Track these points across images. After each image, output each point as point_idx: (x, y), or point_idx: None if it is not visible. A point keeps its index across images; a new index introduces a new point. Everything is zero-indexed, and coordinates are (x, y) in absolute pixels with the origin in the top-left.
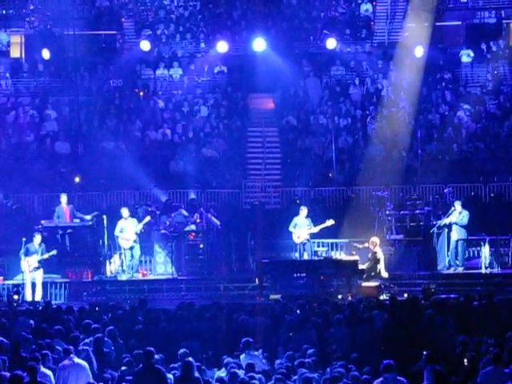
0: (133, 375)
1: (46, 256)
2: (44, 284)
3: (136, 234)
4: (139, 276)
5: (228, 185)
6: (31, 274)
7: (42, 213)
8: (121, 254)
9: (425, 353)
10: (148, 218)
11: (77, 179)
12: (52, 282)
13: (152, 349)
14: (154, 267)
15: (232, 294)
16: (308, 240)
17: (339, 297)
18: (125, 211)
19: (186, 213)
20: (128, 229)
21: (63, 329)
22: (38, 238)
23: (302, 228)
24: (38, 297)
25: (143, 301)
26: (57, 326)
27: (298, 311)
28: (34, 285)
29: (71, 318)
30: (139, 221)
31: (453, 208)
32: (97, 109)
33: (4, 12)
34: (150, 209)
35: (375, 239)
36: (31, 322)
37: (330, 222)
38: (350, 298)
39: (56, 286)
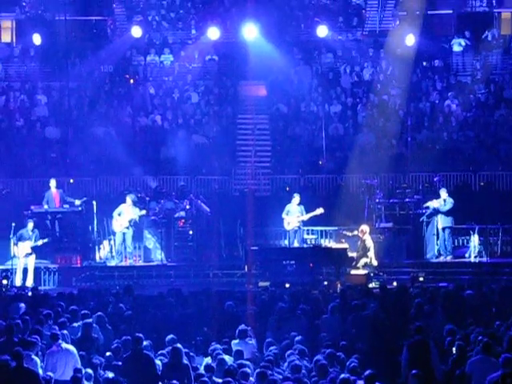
0: (122, 361)
1: (39, 243)
2: (36, 269)
3: (131, 221)
4: (133, 263)
5: (218, 172)
6: (23, 260)
7: (31, 198)
8: (110, 239)
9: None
10: (143, 212)
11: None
12: (41, 267)
13: (141, 335)
14: (144, 253)
15: (221, 280)
16: (299, 227)
17: (325, 283)
18: (129, 199)
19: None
20: (125, 215)
21: (52, 313)
22: (30, 225)
23: (293, 215)
24: (30, 282)
25: (129, 287)
26: (46, 311)
27: (287, 298)
28: (25, 270)
29: (60, 303)
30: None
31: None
32: (87, 94)
33: None
34: (139, 195)
35: (365, 227)
36: (22, 305)
37: (319, 211)
38: (339, 286)
39: (45, 272)
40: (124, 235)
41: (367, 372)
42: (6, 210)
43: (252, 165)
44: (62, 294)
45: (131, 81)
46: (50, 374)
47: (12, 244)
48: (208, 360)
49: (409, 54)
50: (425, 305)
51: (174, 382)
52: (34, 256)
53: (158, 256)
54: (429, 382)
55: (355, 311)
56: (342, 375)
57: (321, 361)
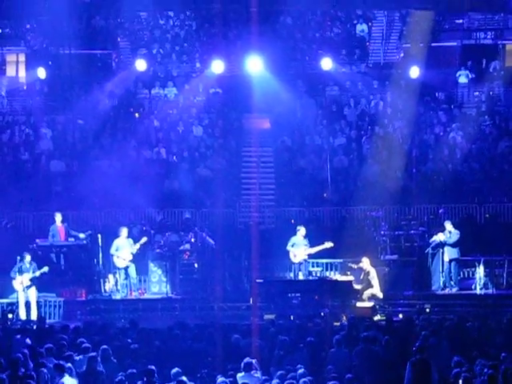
0: None
1: (37, 273)
2: (38, 303)
3: (132, 254)
4: (138, 295)
5: (222, 204)
6: (24, 293)
7: (36, 231)
8: (115, 273)
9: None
10: (144, 239)
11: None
12: (46, 300)
13: (153, 367)
14: (149, 286)
15: (226, 313)
16: (305, 260)
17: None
18: (124, 231)
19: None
20: (124, 248)
21: (54, 347)
22: (27, 257)
23: (299, 247)
24: (34, 315)
25: (134, 321)
26: (47, 345)
27: (292, 331)
28: (28, 303)
29: (65, 336)
30: (135, 241)
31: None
32: (92, 128)
33: (0, 31)
34: (144, 228)
35: (364, 259)
36: (27, 339)
37: (328, 244)
38: (344, 318)
39: (50, 305)
40: (127, 269)
41: None
42: (10, 243)
43: (256, 197)
44: (67, 327)
45: (136, 115)
46: None
47: (16, 277)
48: None
49: (413, 86)
50: (430, 337)
51: None
52: (34, 288)
53: (163, 289)
54: None
55: (361, 344)
56: None
57: None
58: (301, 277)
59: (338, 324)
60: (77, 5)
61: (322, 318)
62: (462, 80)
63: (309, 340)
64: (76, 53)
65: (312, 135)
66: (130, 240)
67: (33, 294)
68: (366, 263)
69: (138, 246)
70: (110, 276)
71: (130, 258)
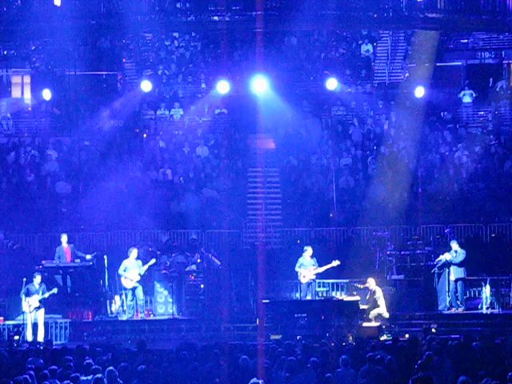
0: None
1: (46, 295)
2: (45, 324)
3: (139, 275)
4: (144, 317)
5: (228, 225)
6: (32, 314)
7: (42, 253)
8: (121, 294)
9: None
10: (153, 261)
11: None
12: (53, 322)
13: None
14: (155, 307)
15: (233, 334)
16: (313, 280)
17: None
18: (134, 252)
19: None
20: (132, 269)
21: (58, 369)
22: (38, 278)
23: (307, 268)
24: (41, 337)
25: (142, 342)
26: (52, 367)
27: (299, 351)
28: (35, 325)
29: (71, 358)
30: (143, 263)
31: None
32: (97, 149)
33: (5, 52)
34: (150, 249)
35: (370, 280)
36: (35, 360)
37: (335, 263)
38: (350, 339)
39: (57, 327)
40: (134, 290)
41: None
42: (17, 265)
43: (262, 218)
44: (74, 348)
45: (144, 135)
46: None
47: (23, 299)
48: None
49: (418, 106)
50: (434, 356)
51: None
52: (43, 310)
53: (170, 310)
54: None
55: (368, 363)
56: None
57: None
58: (309, 297)
59: (345, 344)
60: (82, 26)
61: (329, 339)
62: (466, 99)
63: (315, 360)
64: (81, 74)
65: (318, 155)
66: (139, 261)
67: (41, 315)
68: (371, 283)
69: (146, 267)
70: (117, 297)
71: (138, 279)
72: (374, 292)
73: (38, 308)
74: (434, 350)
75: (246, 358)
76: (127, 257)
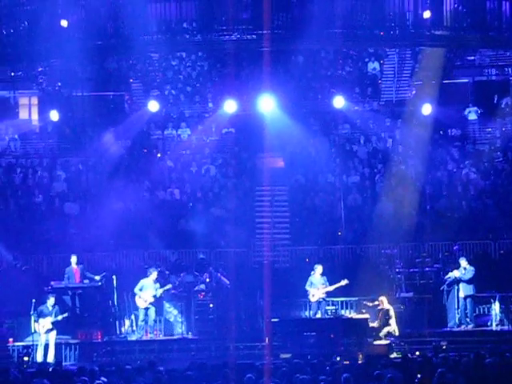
0: None
1: (59, 318)
2: (57, 345)
3: (154, 297)
4: (154, 337)
5: (237, 244)
6: (45, 336)
7: (51, 273)
8: (131, 314)
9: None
10: (169, 286)
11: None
12: (62, 343)
13: None
14: (164, 327)
15: (242, 353)
16: (323, 299)
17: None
18: (154, 273)
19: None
20: (148, 290)
21: None
22: (51, 300)
23: (317, 286)
24: (51, 358)
25: (152, 362)
26: None
27: (308, 370)
28: (46, 346)
29: (81, 378)
30: (160, 286)
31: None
32: (105, 169)
33: (12, 74)
34: (159, 269)
35: (382, 298)
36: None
37: (344, 282)
38: (360, 357)
39: (66, 347)
40: (147, 311)
41: None
42: (26, 286)
43: (271, 236)
44: (83, 369)
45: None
46: None
47: (33, 320)
48: None
49: (426, 123)
50: (447, 374)
51: None
52: (55, 332)
53: (179, 329)
54: None
55: (377, 381)
56: None
57: None
58: (319, 315)
59: (354, 362)
60: (89, 47)
61: (340, 357)
62: (472, 117)
63: (325, 379)
64: (88, 95)
65: (325, 173)
66: (157, 284)
67: (52, 337)
68: (384, 302)
69: (161, 291)
70: (127, 320)
71: (152, 300)
72: (387, 311)
73: (51, 330)
74: (447, 367)
75: (255, 376)
76: (140, 276)
